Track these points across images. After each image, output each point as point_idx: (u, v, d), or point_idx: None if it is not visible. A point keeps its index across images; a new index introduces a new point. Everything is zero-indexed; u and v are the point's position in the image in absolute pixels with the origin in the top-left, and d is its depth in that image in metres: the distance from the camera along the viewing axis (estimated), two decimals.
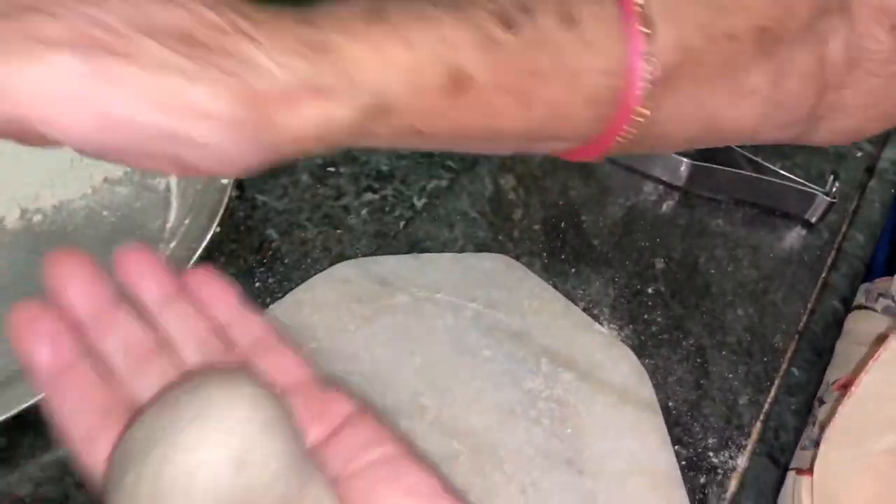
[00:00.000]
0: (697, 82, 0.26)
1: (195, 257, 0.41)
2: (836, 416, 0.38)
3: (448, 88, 0.23)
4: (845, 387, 0.40)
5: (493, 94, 0.24)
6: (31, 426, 0.39)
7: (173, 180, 0.49)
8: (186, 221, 0.43)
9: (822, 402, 0.42)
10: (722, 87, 0.27)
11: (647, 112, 0.25)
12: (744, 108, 0.28)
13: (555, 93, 0.24)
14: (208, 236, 0.42)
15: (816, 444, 0.39)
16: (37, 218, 0.47)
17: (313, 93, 0.22)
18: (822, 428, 0.39)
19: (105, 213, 0.48)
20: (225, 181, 0.44)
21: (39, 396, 0.36)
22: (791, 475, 0.38)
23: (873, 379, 0.39)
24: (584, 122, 0.25)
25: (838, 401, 0.39)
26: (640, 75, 0.25)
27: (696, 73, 0.26)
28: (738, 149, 0.53)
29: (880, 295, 0.48)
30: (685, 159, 0.52)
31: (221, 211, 0.43)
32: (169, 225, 0.47)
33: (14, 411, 0.35)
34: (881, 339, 0.42)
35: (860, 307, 0.48)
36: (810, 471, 0.37)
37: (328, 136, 0.23)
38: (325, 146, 0.23)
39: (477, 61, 0.23)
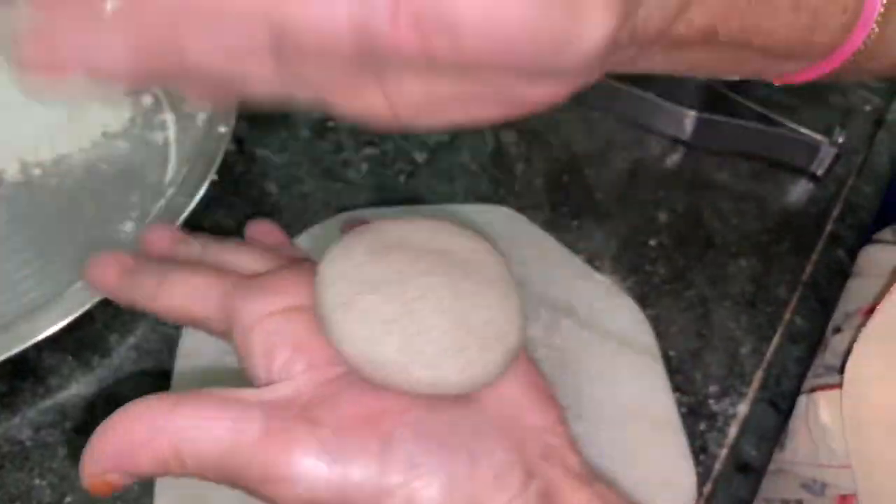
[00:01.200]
0: None
1: (191, 205, 0.41)
2: (878, 313, 0.37)
3: None
4: (870, 312, 0.40)
5: None
6: (31, 372, 0.39)
7: (172, 134, 0.49)
8: (184, 171, 0.43)
9: (837, 331, 0.41)
10: None
11: (877, 28, 0.26)
12: None
13: None
14: (205, 185, 0.42)
15: (836, 369, 0.38)
16: (36, 171, 0.47)
17: None
18: (843, 355, 0.38)
19: (104, 166, 0.48)
20: (223, 130, 0.44)
21: (38, 338, 0.36)
22: (803, 398, 0.38)
23: None
24: (835, 30, 0.26)
25: (863, 323, 0.39)
26: None
27: None
28: (745, 101, 0.52)
29: None
30: (691, 112, 0.51)
31: (219, 160, 0.43)
32: (167, 178, 0.47)
33: (12, 352, 0.35)
34: None
35: (873, 242, 0.47)
36: (828, 387, 0.37)
37: (636, 37, 0.22)
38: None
39: None
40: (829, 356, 0.41)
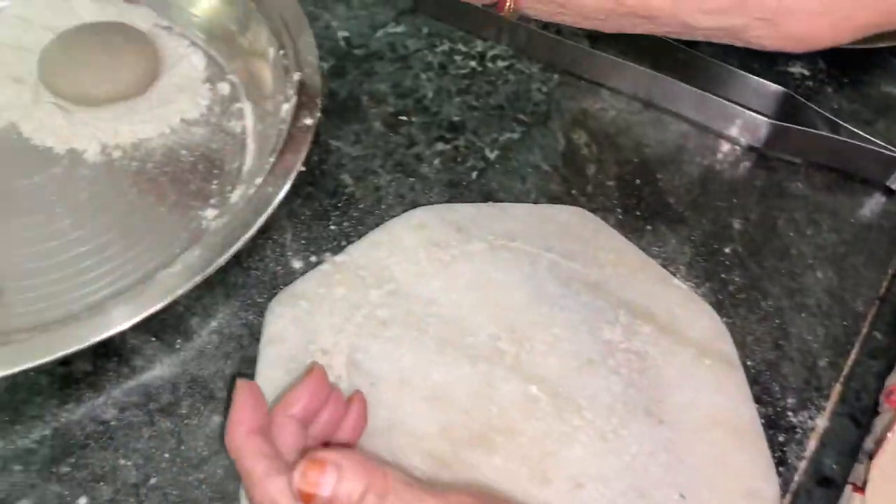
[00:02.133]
0: None
1: (280, 195, 0.41)
2: (887, 443, 0.37)
3: None
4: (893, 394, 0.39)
5: None
6: (116, 352, 0.40)
7: (249, 123, 0.49)
8: (267, 161, 0.43)
9: (877, 412, 0.40)
10: None
11: None
12: None
13: None
14: (293, 175, 0.42)
15: (869, 457, 0.38)
16: (116, 153, 0.48)
17: None
18: (878, 443, 0.38)
19: (183, 152, 0.48)
20: (308, 122, 0.44)
21: (127, 324, 0.36)
22: (847, 489, 0.37)
23: None
24: None
25: (892, 421, 0.38)
26: None
27: None
28: (821, 110, 0.51)
29: None
30: (766, 119, 0.51)
31: (305, 151, 0.43)
32: (246, 167, 0.47)
33: (100, 338, 0.36)
34: None
35: None
36: (862, 489, 0.36)
37: None
38: None
39: None
40: (871, 443, 0.40)
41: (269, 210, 0.40)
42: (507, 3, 0.36)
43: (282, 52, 0.48)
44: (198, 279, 0.38)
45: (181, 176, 0.47)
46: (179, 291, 0.37)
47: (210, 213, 0.45)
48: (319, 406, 0.34)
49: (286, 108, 0.45)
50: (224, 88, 0.51)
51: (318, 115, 0.44)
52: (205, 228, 0.44)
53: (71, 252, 0.43)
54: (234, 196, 0.45)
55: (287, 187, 0.41)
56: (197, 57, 0.52)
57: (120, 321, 0.36)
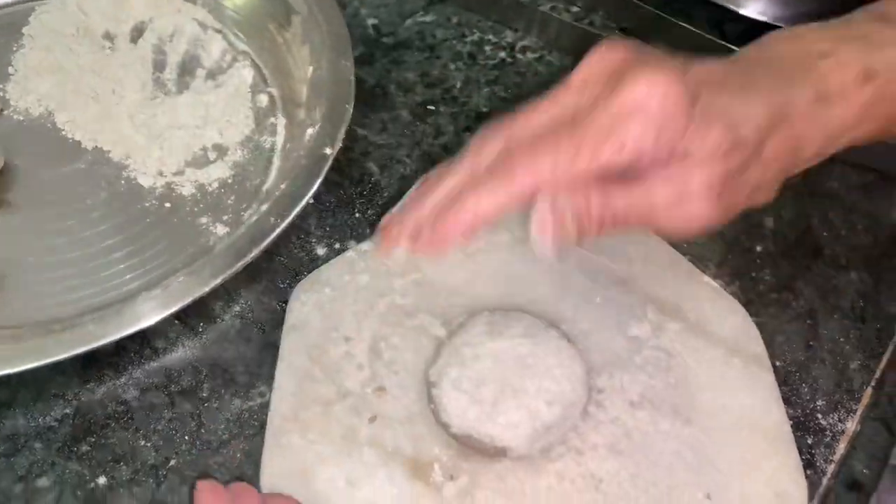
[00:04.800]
0: None
1: (281, 228, 0.39)
2: None
3: None
4: None
5: None
6: (138, 333, 0.39)
7: (280, 140, 0.47)
8: (283, 185, 0.41)
9: None
10: None
11: None
12: None
13: None
14: (299, 206, 0.40)
15: None
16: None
17: None
18: None
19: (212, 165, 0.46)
20: (328, 151, 0.42)
21: (160, 317, 0.36)
22: None
23: None
24: None
25: None
26: None
27: None
28: None
29: None
30: None
31: (319, 181, 0.41)
32: (266, 186, 0.45)
33: (134, 329, 0.36)
34: None
35: None
36: None
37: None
38: None
39: None
40: None
41: (266, 244, 0.38)
42: None
43: (318, 70, 0.46)
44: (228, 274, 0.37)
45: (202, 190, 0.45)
46: (188, 300, 0.36)
47: (220, 230, 0.44)
48: None
49: (310, 132, 0.43)
50: (263, 100, 0.49)
51: (339, 146, 0.42)
52: (213, 243, 0.43)
53: (76, 252, 0.42)
54: (246, 216, 0.43)
55: (289, 220, 0.39)
56: (246, 70, 0.50)
57: (130, 324, 0.36)
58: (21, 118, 0.48)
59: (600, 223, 0.30)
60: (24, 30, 0.50)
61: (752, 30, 0.56)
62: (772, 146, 0.31)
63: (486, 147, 0.33)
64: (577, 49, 0.55)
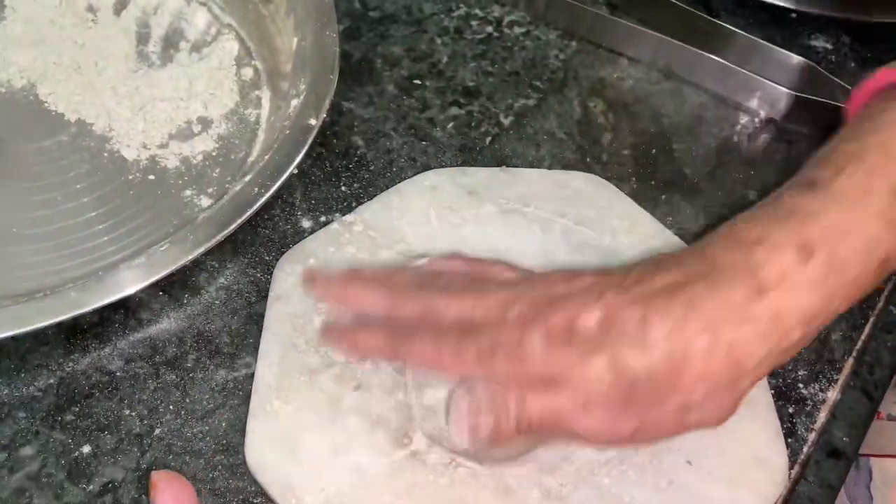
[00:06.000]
0: None
1: (264, 198, 0.38)
2: None
3: None
4: None
5: None
6: (123, 304, 0.40)
7: (264, 112, 0.47)
8: (267, 157, 0.41)
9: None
10: None
11: None
12: None
13: None
14: (283, 177, 0.39)
15: None
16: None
17: None
18: None
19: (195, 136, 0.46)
20: (312, 122, 0.41)
21: (142, 285, 0.36)
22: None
23: None
24: None
25: None
26: None
27: None
28: (842, 83, 0.50)
29: None
30: (786, 90, 0.50)
31: (303, 152, 0.40)
32: (251, 158, 0.45)
33: (117, 296, 0.35)
34: None
35: None
36: None
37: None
38: None
39: None
40: None
41: (250, 213, 0.38)
42: None
43: (303, 42, 0.46)
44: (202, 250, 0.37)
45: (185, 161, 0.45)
46: (171, 268, 0.36)
47: (205, 201, 0.43)
48: None
49: (294, 103, 0.43)
50: (247, 73, 0.49)
51: (324, 116, 0.42)
52: (198, 215, 0.42)
53: (59, 224, 0.42)
54: (231, 187, 0.43)
55: (273, 190, 0.39)
56: (230, 43, 0.50)
57: (109, 293, 0.35)
58: (3, 90, 0.47)
59: (517, 426, 0.31)
60: (6, 1, 0.50)
61: (737, 3, 0.56)
62: (691, 370, 0.29)
63: (408, 306, 0.35)
64: (565, 23, 0.55)
